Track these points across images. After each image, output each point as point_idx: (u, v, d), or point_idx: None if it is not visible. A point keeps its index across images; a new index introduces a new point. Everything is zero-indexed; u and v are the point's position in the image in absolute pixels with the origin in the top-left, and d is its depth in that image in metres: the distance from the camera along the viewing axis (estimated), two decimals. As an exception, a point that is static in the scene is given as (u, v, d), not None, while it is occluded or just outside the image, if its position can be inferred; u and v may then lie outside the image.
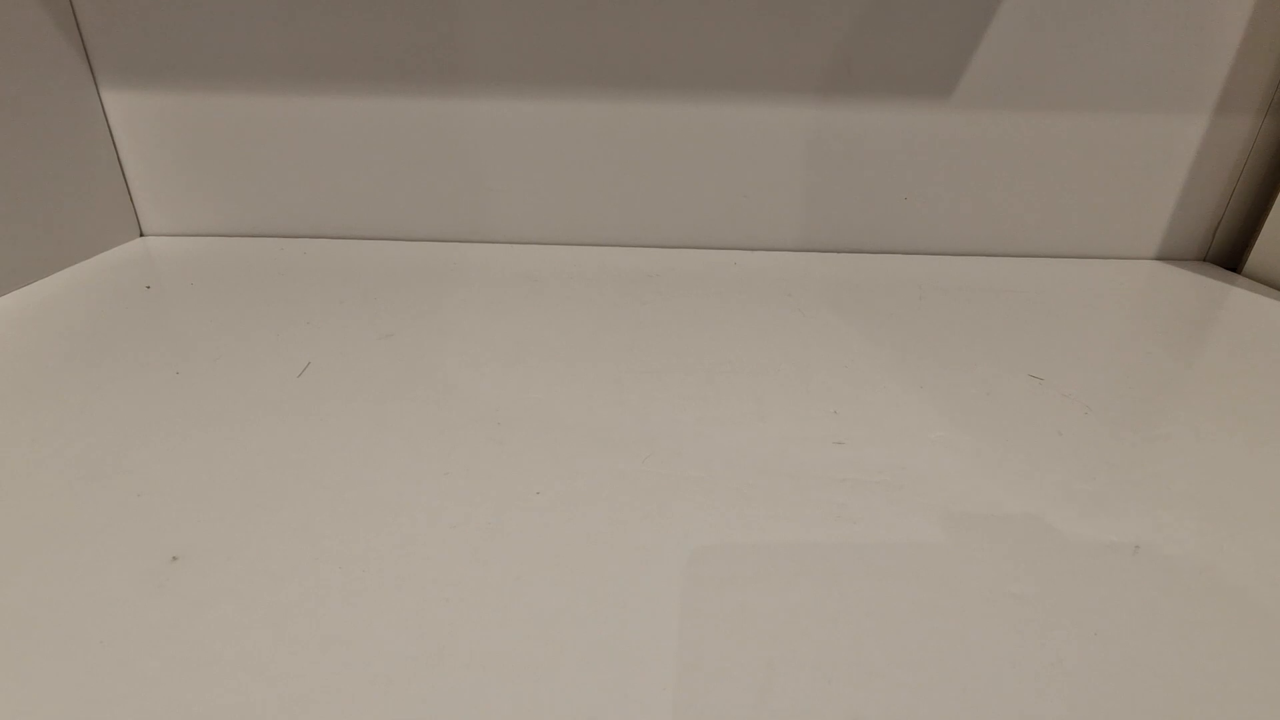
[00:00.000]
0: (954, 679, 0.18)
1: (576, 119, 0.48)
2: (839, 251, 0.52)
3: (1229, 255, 0.52)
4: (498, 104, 0.47)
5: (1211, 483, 0.26)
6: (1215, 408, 0.31)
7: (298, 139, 0.48)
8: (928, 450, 0.27)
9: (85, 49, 0.45)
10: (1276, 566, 0.22)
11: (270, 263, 0.47)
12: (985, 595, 0.20)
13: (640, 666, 0.18)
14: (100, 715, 0.16)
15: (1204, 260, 0.53)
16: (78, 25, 0.45)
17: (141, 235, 0.51)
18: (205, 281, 0.43)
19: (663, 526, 0.23)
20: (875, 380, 0.33)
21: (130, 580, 0.20)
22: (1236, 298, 0.45)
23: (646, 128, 0.48)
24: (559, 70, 0.46)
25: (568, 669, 0.18)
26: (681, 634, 0.19)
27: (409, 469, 0.25)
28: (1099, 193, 0.50)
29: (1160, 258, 0.52)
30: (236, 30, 0.45)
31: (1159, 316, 0.42)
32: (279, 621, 0.19)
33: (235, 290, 0.42)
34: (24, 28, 0.41)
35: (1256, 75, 0.46)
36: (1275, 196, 0.48)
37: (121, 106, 0.47)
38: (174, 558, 0.21)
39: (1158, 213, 0.51)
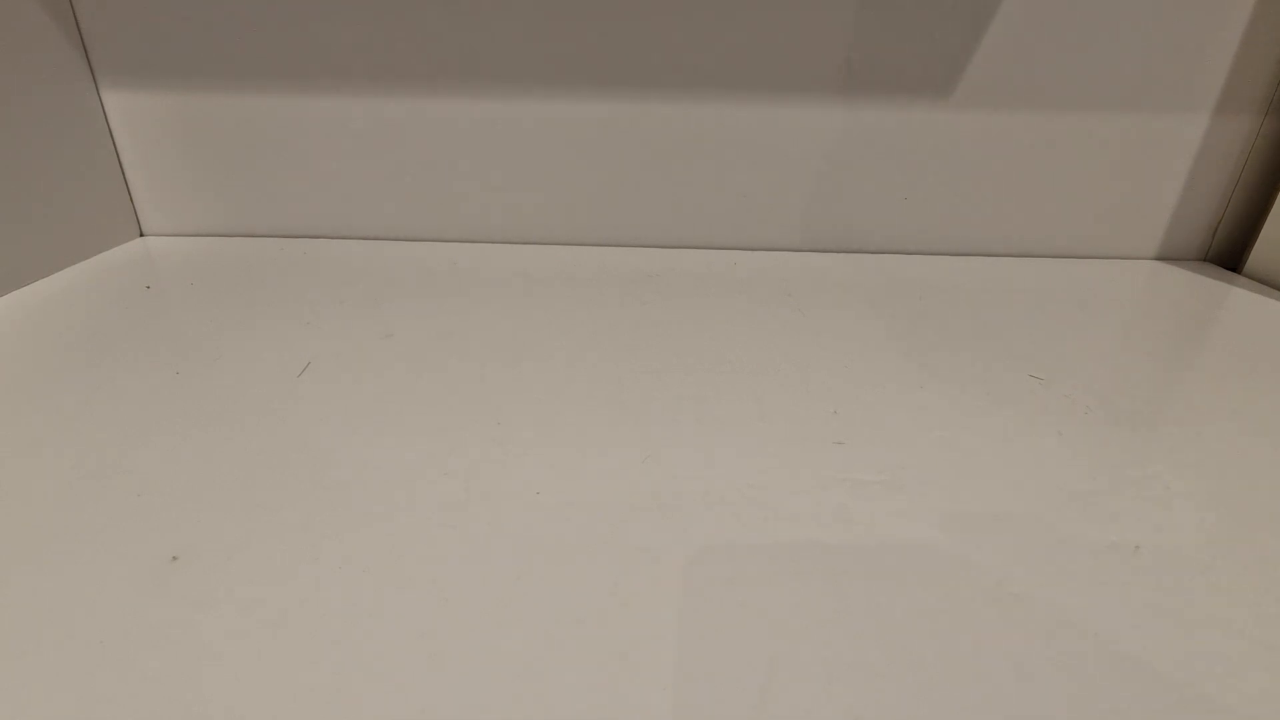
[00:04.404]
0: (954, 679, 0.18)
1: (577, 119, 0.48)
2: (839, 251, 0.52)
3: (1229, 255, 0.52)
4: (498, 104, 0.47)
5: (1212, 483, 0.26)
6: (1215, 408, 0.31)
7: (298, 139, 0.48)
8: (928, 450, 0.27)
9: (85, 49, 0.45)
10: (1277, 566, 0.22)
11: (270, 263, 0.47)
12: (985, 595, 0.20)
13: (640, 666, 0.18)
14: (100, 715, 0.16)
15: (1204, 260, 0.52)
16: (78, 25, 0.45)
17: (141, 235, 0.51)
18: (205, 281, 0.43)
19: (663, 526, 0.23)
20: (875, 380, 0.33)
21: (130, 580, 0.20)
22: (1236, 298, 0.45)
23: (646, 128, 0.48)
24: (559, 70, 0.46)
25: (568, 669, 0.18)
26: (681, 634, 0.19)
27: (409, 469, 0.25)
28: (1099, 193, 0.50)
29: (1160, 258, 0.52)
30: (236, 30, 0.45)
31: (1159, 316, 0.42)
32: (279, 621, 0.19)
33: (235, 290, 0.42)
34: (24, 28, 0.41)
35: (1256, 75, 0.46)
36: (1275, 196, 0.47)
37: (121, 106, 0.47)
38: (174, 558, 0.21)
39: (1158, 213, 0.51)
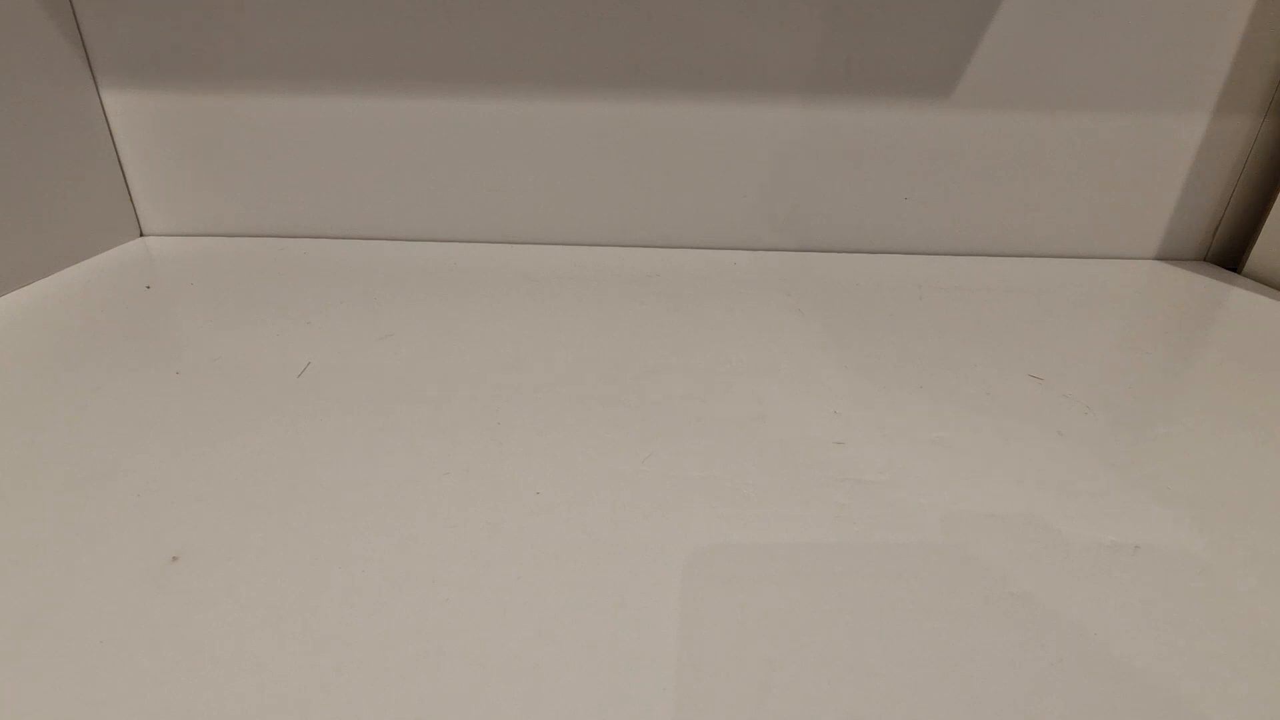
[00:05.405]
0: (954, 679, 0.18)
1: (576, 119, 0.48)
2: (839, 251, 0.52)
3: (1229, 255, 0.52)
4: (498, 104, 0.47)
5: (1211, 483, 0.26)
6: (1215, 408, 0.31)
7: (298, 139, 0.48)
8: (928, 450, 0.27)
9: (85, 49, 0.45)
10: (1276, 566, 0.22)
11: (270, 263, 0.47)
12: (985, 595, 0.20)
13: (640, 666, 0.18)
14: (100, 715, 0.16)
15: (1204, 260, 0.53)
16: (78, 25, 0.45)
17: (141, 235, 0.51)
18: (205, 281, 0.43)
19: (662, 526, 0.23)
20: (875, 380, 0.33)
21: (130, 580, 0.20)
22: (1236, 298, 0.45)
23: (646, 128, 0.48)
24: (559, 70, 0.46)
25: (568, 669, 0.18)
26: (681, 634, 0.19)
27: (409, 469, 0.25)
28: (1099, 193, 0.50)
29: (1160, 258, 0.52)
30: (236, 30, 0.45)
31: (1159, 316, 0.42)
32: (279, 621, 0.19)
33: (235, 290, 0.42)
34: (24, 28, 0.41)
35: (1256, 75, 0.46)
36: (1275, 196, 0.48)
37: (121, 106, 0.47)
38: (174, 558, 0.21)
39: (1158, 213, 0.51)
